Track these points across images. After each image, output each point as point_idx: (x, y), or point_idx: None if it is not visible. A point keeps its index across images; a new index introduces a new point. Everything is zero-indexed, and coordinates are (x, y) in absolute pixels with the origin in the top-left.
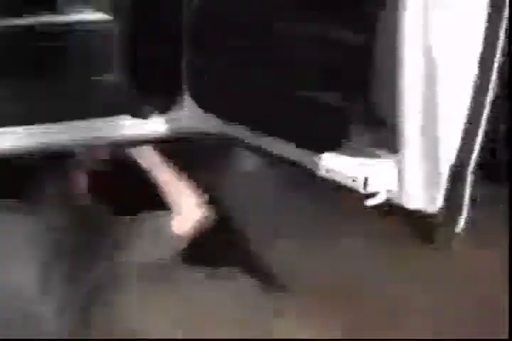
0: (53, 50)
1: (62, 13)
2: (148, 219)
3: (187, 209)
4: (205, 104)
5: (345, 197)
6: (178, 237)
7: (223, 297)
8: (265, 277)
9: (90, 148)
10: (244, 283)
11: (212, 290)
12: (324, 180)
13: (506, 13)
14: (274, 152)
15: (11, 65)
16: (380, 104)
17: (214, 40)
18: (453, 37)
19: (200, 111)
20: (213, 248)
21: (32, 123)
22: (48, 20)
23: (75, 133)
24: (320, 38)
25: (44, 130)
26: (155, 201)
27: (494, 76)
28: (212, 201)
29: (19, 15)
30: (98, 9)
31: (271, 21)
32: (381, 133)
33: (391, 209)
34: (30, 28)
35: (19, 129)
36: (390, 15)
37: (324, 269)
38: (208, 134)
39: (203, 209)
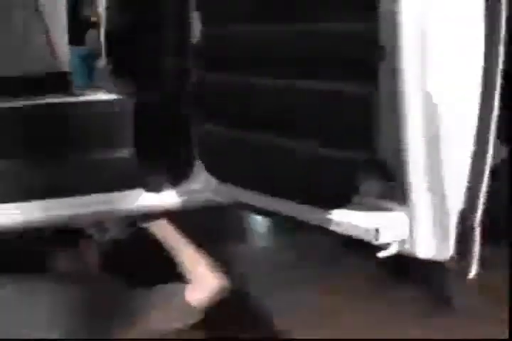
0: (66, 128)
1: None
2: (163, 290)
3: (201, 280)
4: (218, 172)
5: None
6: (194, 308)
7: None
8: None
9: (104, 221)
10: None
11: None
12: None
13: (501, 58)
14: (287, 214)
15: (35, 144)
16: (388, 158)
17: (223, 109)
18: (452, 82)
19: (213, 181)
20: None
21: (49, 197)
22: (61, 101)
23: (90, 207)
24: (326, 93)
25: (61, 204)
26: (170, 273)
27: (494, 122)
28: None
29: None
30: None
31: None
32: (390, 186)
33: None
34: (45, 108)
35: (37, 203)
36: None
37: None
38: (221, 204)
39: (219, 280)
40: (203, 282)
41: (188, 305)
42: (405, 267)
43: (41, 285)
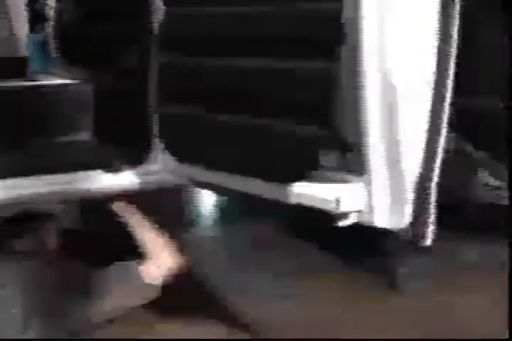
0: (27, 110)
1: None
2: (118, 268)
3: (157, 257)
4: (176, 152)
5: None
6: (150, 285)
7: None
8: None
9: (65, 200)
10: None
11: None
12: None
13: (454, 43)
14: (243, 190)
15: None
16: (345, 130)
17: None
18: (409, 62)
19: (171, 161)
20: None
21: (7, 177)
22: (19, 85)
23: (50, 186)
24: (281, 70)
25: (20, 183)
26: (127, 252)
27: (448, 98)
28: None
29: None
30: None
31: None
32: (348, 159)
33: None
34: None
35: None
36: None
37: None
38: (178, 184)
39: (173, 258)
40: (158, 259)
41: (143, 281)
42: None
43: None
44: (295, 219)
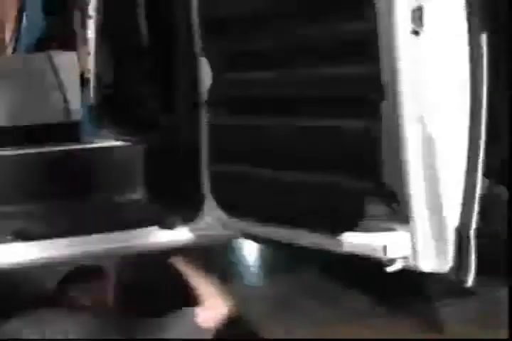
0: (82, 172)
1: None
2: (177, 315)
3: (211, 303)
4: (228, 207)
5: None
6: (204, 330)
7: None
8: None
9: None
10: None
11: None
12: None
13: (485, 91)
14: (293, 241)
15: (49, 187)
16: (391, 184)
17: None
18: (446, 113)
19: (223, 216)
20: None
21: (70, 236)
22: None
23: (108, 243)
24: (334, 130)
25: (81, 241)
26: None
27: (482, 149)
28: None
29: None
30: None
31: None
32: (393, 209)
33: None
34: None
35: (60, 241)
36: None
37: None
38: (231, 238)
39: (226, 304)
40: (212, 305)
41: (198, 326)
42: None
43: (55, 317)
44: (340, 267)
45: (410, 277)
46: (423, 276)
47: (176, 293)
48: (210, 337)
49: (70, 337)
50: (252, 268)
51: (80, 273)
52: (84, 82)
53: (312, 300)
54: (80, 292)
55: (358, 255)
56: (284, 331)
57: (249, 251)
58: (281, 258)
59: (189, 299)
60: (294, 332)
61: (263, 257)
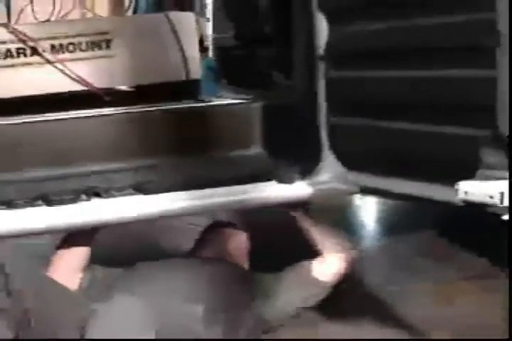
0: (202, 128)
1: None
2: (294, 268)
3: (330, 257)
4: (347, 160)
5: None
6: (321, 284)
7: None
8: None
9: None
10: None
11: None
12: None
13: None
14: (410, 193)
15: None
16: (506, 132)
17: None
18: None
19: (341, 170)
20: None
21: (192, 189)
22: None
23: (229, 196)
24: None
25: (197, 195)
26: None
27: None
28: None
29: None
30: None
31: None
32: (507, 156)
33: None
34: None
35: (181, 193)
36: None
37: None
38: (349, 192)
39: (346, 255)
40: (331, 259)
41: (316, 280)
42: None
43: (180, 264)
44: (456, 227)
45: None
46: None
47: (296, 247)
48: (326, 291)
49: (196, 282)
50: (369, 227)
51: (215, 229)
52: (203, 48)
53: (428, 260)
54: (216, 247)
55: (472, 207)
56: (400, 289)
57: (367, 210)
58: (398, 217)
59: (309, 253)
60: (408, 290)
61: (380, 216)
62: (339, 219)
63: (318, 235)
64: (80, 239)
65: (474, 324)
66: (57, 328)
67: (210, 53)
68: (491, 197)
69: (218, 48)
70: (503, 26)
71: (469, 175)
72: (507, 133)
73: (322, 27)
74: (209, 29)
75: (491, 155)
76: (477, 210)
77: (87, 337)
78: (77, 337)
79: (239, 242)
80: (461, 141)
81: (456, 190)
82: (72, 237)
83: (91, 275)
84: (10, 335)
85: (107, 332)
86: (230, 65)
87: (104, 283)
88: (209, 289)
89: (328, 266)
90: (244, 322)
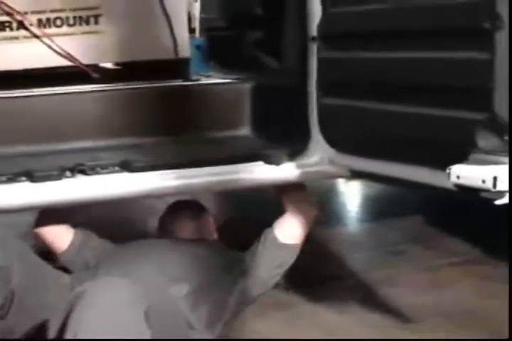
0: (190, 107)
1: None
2: (259, 241)
3: (290, 218)
4: (336, 142)
5: None
6: (290, 247)
7: None
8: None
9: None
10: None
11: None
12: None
13: None
14: (401, 177)
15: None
16: (502, 115)
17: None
18: None
19: (330, 152)
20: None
21: (178, 168)
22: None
23: (217, 176)
24: (444, 60)
25: (185, 174)
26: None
27: None
28: None
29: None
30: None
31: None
32: (502, 140)
33: None
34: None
35: (167, 172)
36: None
37: None
38: (337, 175)
39: (308, 214)
40: (291, 218)
41: (284, 244)
42: None
43: (165, 244)
44: (445, 212)
45: None
46: None
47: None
48: (296, 252)
49: (183, 261)
50: (357, 212)
51: (179, 207)
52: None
53: (416, 245)
54: (180, 225)
55: (463, 192)
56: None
57: (356, 194)
58: (385, 202)
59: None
60: (397, 276)
61: (369, 200)
62: (326, 202)
63: (284, 194)
64: (55, 217)
65: (464, 310)
66: (42, 306)
67: (197, 33)
68: (484, 181)
69: (206, 29)
70: (502, 8)
71: (462, 158)
72: (507, 117)
73: (315, 7)
74: (197, 9)
75: (486, 139)
76: (469, 195)
77: (74, 315)
78: (63, 315)
79: (204, 221)
80: (455, 123)
81: (448, 174)
82: (44, 215)
83: (84, 238)
84: None
85: (94, 310)
86: (218, 46)
87: (94, 253)
88: (194, 268)
89: (291, 228)
90: (230, 301)
